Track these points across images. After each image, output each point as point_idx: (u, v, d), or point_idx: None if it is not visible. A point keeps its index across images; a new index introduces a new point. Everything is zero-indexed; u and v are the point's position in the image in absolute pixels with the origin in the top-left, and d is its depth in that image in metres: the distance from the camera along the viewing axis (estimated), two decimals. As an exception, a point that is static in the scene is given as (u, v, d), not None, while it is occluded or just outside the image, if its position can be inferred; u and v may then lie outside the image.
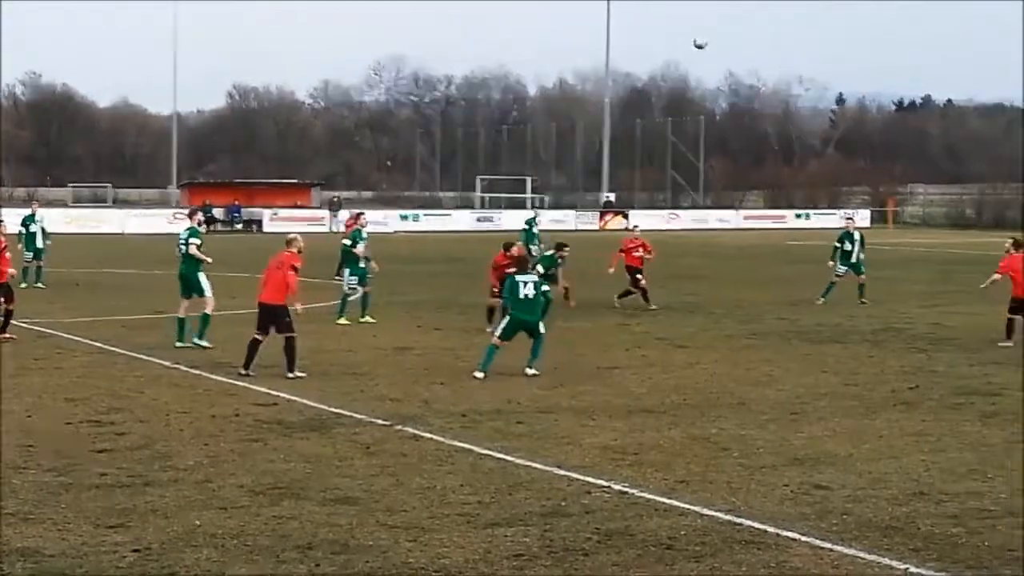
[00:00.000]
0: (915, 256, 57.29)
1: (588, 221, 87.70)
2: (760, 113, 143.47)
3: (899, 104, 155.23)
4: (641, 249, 33.71)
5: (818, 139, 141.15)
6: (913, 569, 10.90)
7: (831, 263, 35.30)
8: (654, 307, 32.48)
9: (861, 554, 11.35)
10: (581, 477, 14.13)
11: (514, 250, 26.49)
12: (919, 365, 23.08)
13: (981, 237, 77.24)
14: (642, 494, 13.40)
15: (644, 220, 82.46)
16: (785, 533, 11.99)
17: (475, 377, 20.82)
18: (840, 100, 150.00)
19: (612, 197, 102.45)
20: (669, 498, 13.23)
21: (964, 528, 12.12)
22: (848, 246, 34.88)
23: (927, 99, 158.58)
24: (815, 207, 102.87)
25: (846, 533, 12.02)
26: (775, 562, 11.12)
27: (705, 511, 12.74)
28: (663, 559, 11.19)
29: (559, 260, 29.66)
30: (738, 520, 12.44)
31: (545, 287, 21.95)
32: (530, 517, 12.46)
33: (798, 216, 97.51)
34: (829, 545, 11.62)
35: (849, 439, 16.39)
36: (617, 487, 13.69)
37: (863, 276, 34.63)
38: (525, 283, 21.70)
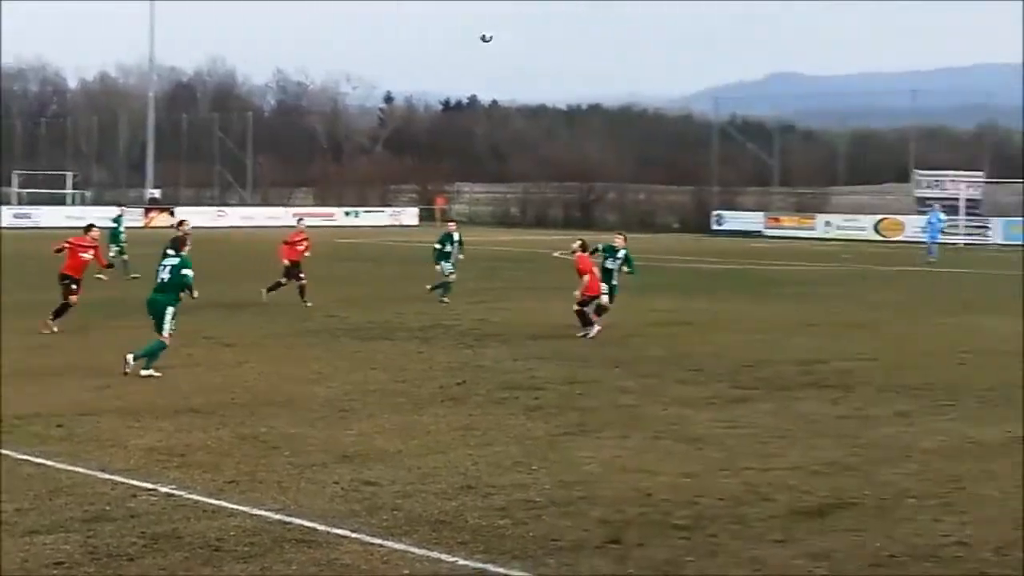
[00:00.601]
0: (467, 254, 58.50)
1: (133, 218, 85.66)
2: (309, 111, 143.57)
3: (446, 104, 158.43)
4: (304, 244, 34.04)
5: (367, 137, 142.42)
6: (462, 561, 11.06)
7: (437, 266, 35.60)
8: (310, 303, 32.65)
9: (411, 549, 11.44)
10: (126, 480, 13.71)
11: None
12: (466, 361, 23.56)
13: (525, 235, 79.78)
14: (190, 496, 13.12)
15: (192, 217, 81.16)
16: (335, 530, 11.97)
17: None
18: (388, 98, 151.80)
19: (158, 193, 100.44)
20: (217, 499, 13.00)
21: (511, 520, 12.40)
22: (448, 247, 35.69)
23: (473, 99, 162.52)
24: (365, 205, 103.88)
25: (396, 528, 12.10)
26: (326, 560, 11.09)
27: (254, 511, 12.59)
28: (211, 561, 10.97)
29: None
30: (288, 519, 12.35)
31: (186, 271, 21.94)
32: (72, 523, 12.00)
33: (347, 214, 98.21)
34: (379, 541, 11.67)
35: (398, 435, 16.55)
36: (164, 489, 13.35)
37: (452, 276, 35.25)
38: (164, 267, 22.03)
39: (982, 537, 11.83)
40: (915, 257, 57.34)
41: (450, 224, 38.18)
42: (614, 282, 28.51)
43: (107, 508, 12.59)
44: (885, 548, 11.51)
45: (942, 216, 60.70)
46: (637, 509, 12.80)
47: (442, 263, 35.53)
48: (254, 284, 37.44)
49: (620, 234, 28.84)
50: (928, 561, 11.12)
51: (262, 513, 12.52)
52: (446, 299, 34.13)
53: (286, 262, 34.28)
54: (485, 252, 55.76)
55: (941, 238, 65.52)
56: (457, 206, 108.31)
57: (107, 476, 13.90)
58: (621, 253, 28.87)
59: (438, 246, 36.00)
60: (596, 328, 26.88)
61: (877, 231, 73.91)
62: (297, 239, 34.50)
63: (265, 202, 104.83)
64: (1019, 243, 59.78)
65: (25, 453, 14.99)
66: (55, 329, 26.67)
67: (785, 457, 15.33)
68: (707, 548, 11.49)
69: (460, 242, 36.47)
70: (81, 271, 28.51)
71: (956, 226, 70.35)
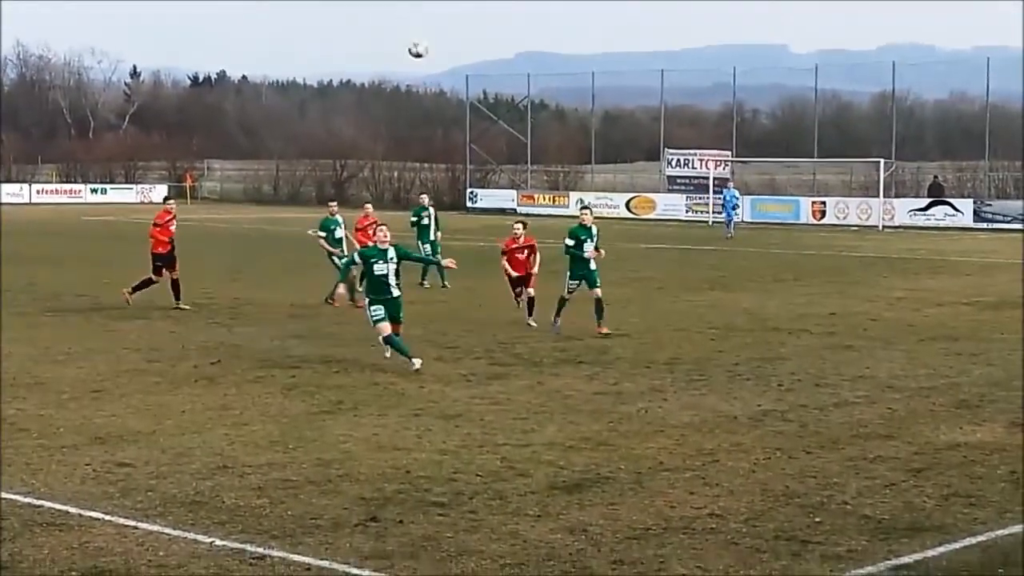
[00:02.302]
0: (214, 232, 57.74)
1: None
2: (52, 85, 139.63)
3: (195, 79, 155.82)
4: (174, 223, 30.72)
5: (113, 113, 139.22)
6: (219, 542, 10.94)
7: (419, 243, 33.59)
8: (186, 306, 28.05)
9: (166, 530, 11.28)
10: None
11: None
12: (221, 340, 23.27)
13: (279, 213, 79.05)
14: (-65, 481, 12.71)
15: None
16: (88, 513, 11.74)
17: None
18: (135, 73, 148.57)
19: None
20: (-36, 483, 12.62)
21: (268, 499, 12.30)
22: (425, 220, 34.23)
23: (222, 75, 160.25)
24: (112, 182, 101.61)
25: (151, 510, 11.91)
26: (78, 543, 10.85)
27: (3, 495, 12.25)
28: (-41, 548, 10.64)
29: None
30: (38, 502, 12.07)
31: None
32: None
33: (94, 191, 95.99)
34: (134, 523, 11.47)
35: (152, 416, 16.27)
36: (-93, 474, 12.91)
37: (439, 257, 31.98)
38: None
39: (734, 508, 12.15)
40: (664, 235, 58.54)
41: (422, 197, 36.38)
42: (593, 267, 24.76)
43: None
44: (641, 521, 11.74)
45: (736, 193, 62.08)
46: (396, 486, 12.82)
47: (420, 240, 33.82)
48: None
49: (586, 210, 25.65)
50: (683, 533, 11.38)
51: (10, 497, 12.21)
52: (447, 283, 33.01)
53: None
54: (237, 231, 55.13)
55: (711, 217, 67.11)
56: (208, 183, 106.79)
57: None
58: (595, 231, 25.10)
59: (414, 219, 34.51)
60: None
61: (629, 209, 75.16)
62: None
63: (7, 179, 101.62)
64: (765, 221, 61.48)
65: None
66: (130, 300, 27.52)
67: (542, 432, 15.52)
68: (466, 524, 11.57)
69: (437, 220, 34.71)
70: (170, 246, 28.14)
71: (705, 204, 72.02)
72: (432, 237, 34.07)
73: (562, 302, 24.79)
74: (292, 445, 14.64)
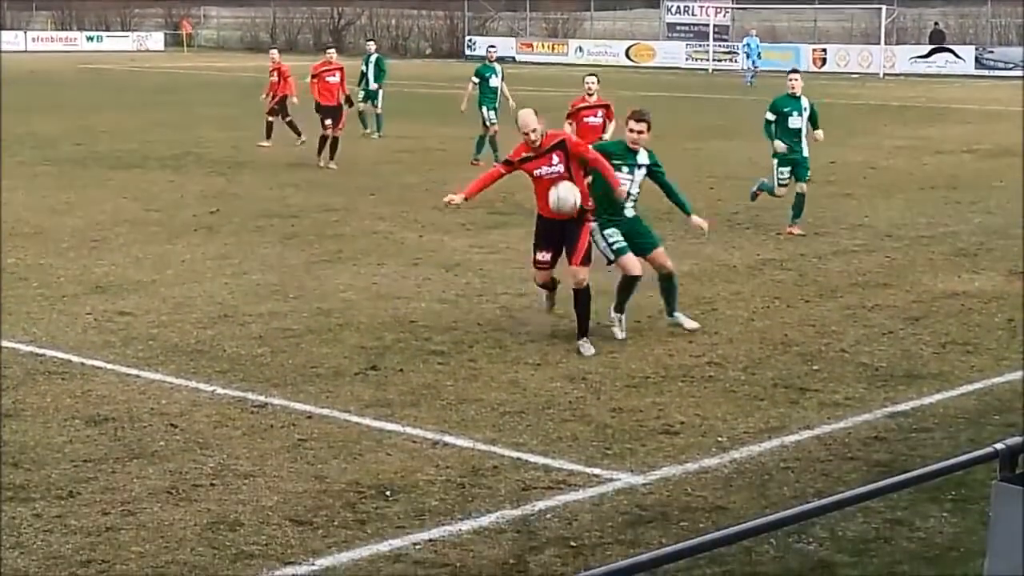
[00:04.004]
0: (211, 80, 57.33)
1: None
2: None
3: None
4: (338, 75, 27.42)
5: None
6: (220, 390, 11.02)
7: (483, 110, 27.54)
8: (333, 166, 26.21)
9: (168, 378, 11.36)
10: None
11: None
12: (220, 189, 23.22)
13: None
14: (-63, 330, 12.77)
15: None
16: (90, 362, 11.82)
17: None
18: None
19: None
20: (-34, 333, 12.68)
21: (269, 348, 12.37)
22: (493, 82, 27.60)
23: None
24: (108, 29, 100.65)
25: (152, 359, 11.98)
26: (80, 391, 10.94)
27: (5, 344, 12.32)
28: (-38, 396, 10.72)
29: None
30: (40, 351, 12.14)
31: None
32: None
33: (90, 39, 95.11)
34: (135, 371, 11.55)
35: (152, 265, 16.29)
36: (-91, 324, 12.96)
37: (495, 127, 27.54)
38: None
39: (732, 356, 12.23)
40: (664, 84, 58.17)
41: (491, 50, 30.04)
42: (806, 153, 19.22)
43: None
44: (640, 369, 11.82)
45: (758, 40, 61.25)
46: (395, 335, 12.89)
47: (485, 107, 27.42)
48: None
49: (796, 75, 19.38)
50: (681, 381, 11.46)
51: (13, 346, 12.27)
52: (480, 161, 26.71)
53: None
54: (234, 79, 54.78)
55: (712, 64, 66.61)
56: (205, 31, 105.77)
57: None
58: (808, 105, 19.15)
59: (476, 80, 27.81)
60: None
61: (628, 57, 74.57)
62: None
63: (2, 26, 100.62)
64: (765, 69, 61.03)
65: None
66: (332, 166, 26.07)
67: (541, 281, 15.52)
68: (466, 372, 11.65)
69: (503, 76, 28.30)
70: (335, 98, 27.03)
71: (705, 52, 71.45)
72: (496, 102, 27.57)
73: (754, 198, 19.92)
74: (292, 294, 14.68)
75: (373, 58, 32.61)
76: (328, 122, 26.57)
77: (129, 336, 12.77)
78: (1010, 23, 71.24)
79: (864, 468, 9.30)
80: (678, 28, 76.22)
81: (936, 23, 70.51)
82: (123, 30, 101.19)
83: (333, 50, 28.69)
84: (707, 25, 72.37)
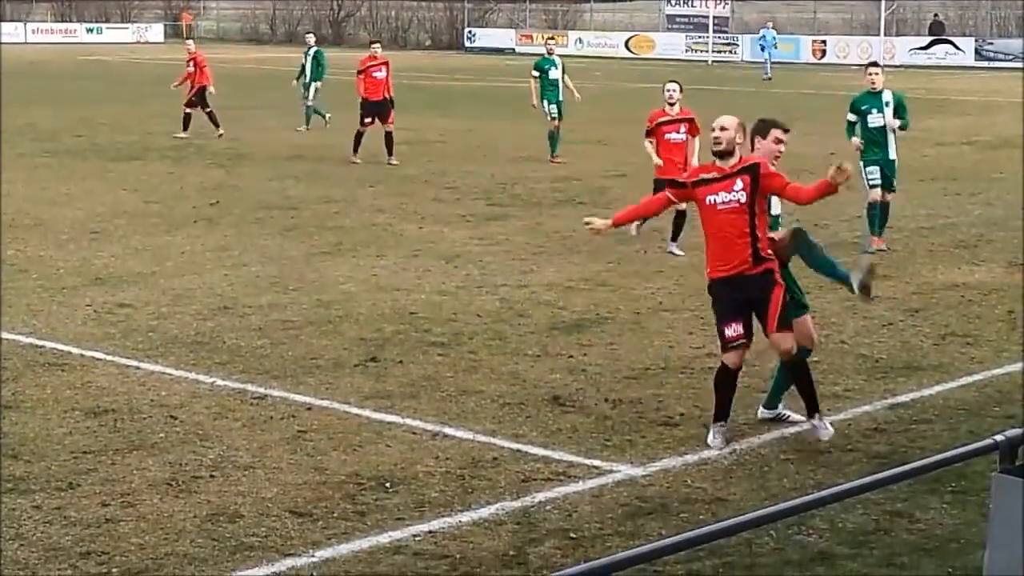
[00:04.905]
0: (218, 72, 57.20)
1: None
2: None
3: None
4: (384, 70, 26.55)
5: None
6: (220, 382, 11.02)
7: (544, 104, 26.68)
8: (395, 162, 25.59)
9: (168, 370, 11.36)
10: None
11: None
12: (220, 181, 23.21)
13: (276, 52, 78.37)
14: (-64, 321, 12.77)
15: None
16: (90, 353, 11.82)
17: None
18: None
19: None
20: (-34, 324, 12.68)
21: (269, 340, 12.37)
22: (554, 74, 26.64)
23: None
24: (107, 21, 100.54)
25: (152, 350, 11.98)
26: (80, 383, 10.94)
27: (5, 335, 12.32)
28: (-38, 388, 10.73)
29: None
30: (40, 343, 12.14)
31: None
32: None
33: (89, 31, 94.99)
34: (135, 363, 11.56)
35: (152, 257, 16.29)
36: (-92, 316, 12.96)
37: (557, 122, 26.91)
38: None
39: (730, 347, 12.20)
40: (664, 76, 58.06)
41: (550, 42, 29.31)
42: (892, 156, 17.91)
43: None
44: (639, 361, 11.82)
45: (775, 33, 61.02)
46: (395, 327, 12.89)
47: (546, 101, 26.51)
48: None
49: (876, 68, 17.62)
50: (681, 373, 11.46)
51: (13, 337, 12.28)
52: (558, 158, 26.20)
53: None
54: (236, 71, 54.72)
55: (711, 56, 66.51)
56: (205, 22, 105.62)
57: None
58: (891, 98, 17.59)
59: (536, 74, 26.87)
60: None
61: (628, 48, 74.53)
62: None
63: (2, 18, 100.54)
64: (765, 61, 60.92)
65: None
66: (394, 162, 25.42)
67: (541, 273, 15.55)
68: (466, 364, 11.64)
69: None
70: (381, 93, 26.23)
71: (705, 44, 71.39)
72: (558, 95, 26.58)
73: (872, 208, 17.52)
74: (292, 286, 14.68)
75: (312, 51, 32.53)
76: (368, 120, 26.01)
77: (129, 328, 12.77)
78: (1009, 14, 71.21)
79: (864, 460, 9.30)
80: (678, 20, 76.16)
81: (936, 14, 70.48)
82: (123, 22, 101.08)
83: (378, 45, 27.87)
84: (707, 16, 72.28)
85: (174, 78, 32.68)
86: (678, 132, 17.33)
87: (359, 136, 26.05)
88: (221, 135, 29.40)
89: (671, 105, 17.42)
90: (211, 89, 30.27)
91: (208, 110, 30.14)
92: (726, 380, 9.64)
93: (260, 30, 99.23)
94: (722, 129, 9.74)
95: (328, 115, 31.48)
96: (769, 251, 9.62)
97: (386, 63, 26.68)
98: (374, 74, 26.42)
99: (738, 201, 9.54)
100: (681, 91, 17.44)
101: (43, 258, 16.09)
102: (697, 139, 17.01)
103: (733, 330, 9.59)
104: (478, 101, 41.63)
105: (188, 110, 30.30)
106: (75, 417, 10.04)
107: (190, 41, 32.90)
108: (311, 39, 33.80)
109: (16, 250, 16.51)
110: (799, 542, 7.85)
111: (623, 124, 32.92)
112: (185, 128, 30.09)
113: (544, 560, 7.66)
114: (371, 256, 16.51)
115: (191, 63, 30.61)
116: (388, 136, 25.83)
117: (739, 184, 9.58)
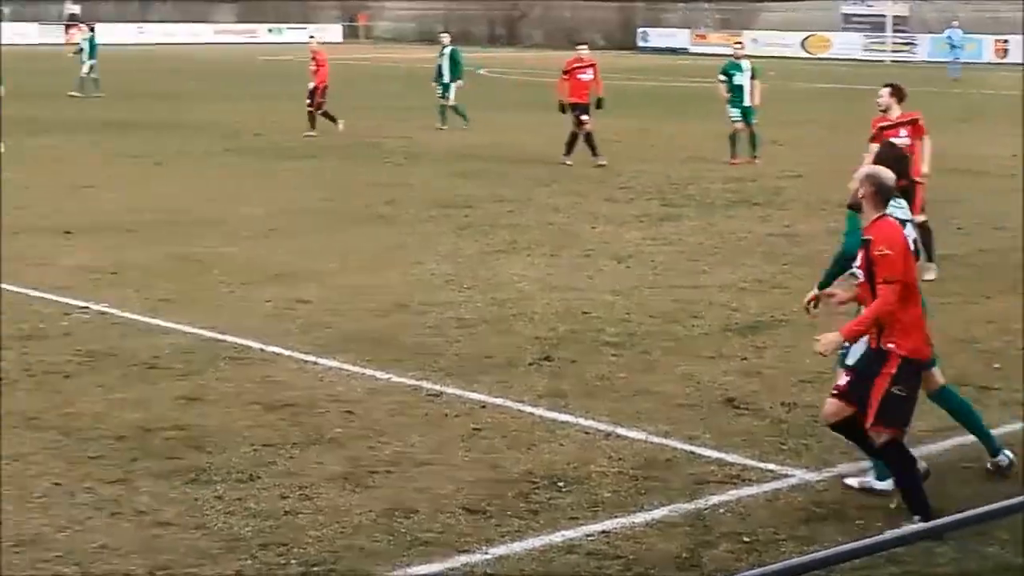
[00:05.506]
0: (386, 72, 58.02)
1: (54, 35, 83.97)
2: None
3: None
4: (591, 71, 26.36)
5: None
6: (396, 379, 11.14)
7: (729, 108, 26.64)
8: (603, 162, 25.48)
9: (345, 366, 11.50)
10: (59, 299, 13.69)
11: None
12: (394, 179, 23.46)
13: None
14: (124, 314, 13.11)
15: (110, 34, 79.66)
16: (270, 348, 12.02)
17: None
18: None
19: (77, 9, 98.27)
20: (152, 317, 13.01)
21: (444, 337, 12.47)
22: (739, 79, 26.50)
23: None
24: (287, 22, 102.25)
25: (330, 346, 12.15)
26: (260, 377, 11.14)
27: (189, 329, 12.59)
28: (147, 378, 11.01)
29: None
30: (222, 337, 12.37)
31: None
32: (7, 341, 12.00)
33: (270, 31, 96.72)
34: (314, 358, 11.73)
35: (328, 254, 16.52)
36: (97, 308, 13.34)
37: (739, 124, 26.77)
38: None
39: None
40: (839, 76, 57.37)
41: (737, 45, 28.57)
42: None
43: (42, 326, 12.57)
44: (815, 364, 11.66)
45: (961, 32, 59.75)
46: (569, 326, 12.91)
47: (729, 105, 26.49)
48: (179, 103, 37.03)
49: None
50: (856, 376, 11.29)
51: (196, 331, 12.53)
52: (758, 158, 26.04)
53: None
54: (409, 70, 55.27)
55: (889, 56, 65.39)
56: (381, 23, 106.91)
57: (40, 294, 13.86)
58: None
59: (723, 78, 26.80)
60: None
61: (804, 48, 73.75)
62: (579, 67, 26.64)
63: (187, 18, 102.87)
64: (945, 60, 59.80)
65: (-46, 272, 14.90)
66: (568, 163, 25.37)
67: (715, 274, 15.46)
68: (640, 364, 11.63)
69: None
70: (587, 95, 26.01)
71: (883, 43, 70.32)
72: (743, 100, 26.45)
73: None
74: (466, 284, 14.78)
75: (447, 51, 32.89)
76: (584, 116, 25.73)
77: (307, 323, 12.97)
78: None
79: (1050, 470, 9.08)
80: (855, 19, 75.11)
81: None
82: (302, 23, 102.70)
83: (585, 46, 27.70)
84: (884, 16, 71.18)
85: (350, 79, 33.10)
86: (899, 136, 15.04)
87: (575, 137, 25.77)
88: (311, 135, 29.94)
89: (884, 111, 15.60)
90: (324, 88, 30.86)
91: (313, 106, 30.76)
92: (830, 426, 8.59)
93: (435, 30, 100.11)
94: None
95: (467, 117, 31.94)
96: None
97: (593, 64, 26.42)
98: (579, 76, 26.17)
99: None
100: (893, 94, 15.37)
101: (224, 254, 16.42)
102: (926, 139, 15.57)
103: (840, 379, 8.51)
104: (653, 101, 41.54)
105: (314, 110, 30.81)
106: (256, 411, 10.23)
107: (313, 38, 33.40)
108: (446, 39, 34.17)
109: (200, 247, 16.87)
110: (980, 553, 7.71)
111: (798, 125, 32.64)
112: (313, 126, 30.64)
113: (718, 563, 7.63)
114: (545, 255, 16.56)
115: (314, 61, 31.10)
116: (588, 137, 25.68)
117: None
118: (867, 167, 8.65)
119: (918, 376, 8.32)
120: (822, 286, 9.36)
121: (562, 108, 26.26)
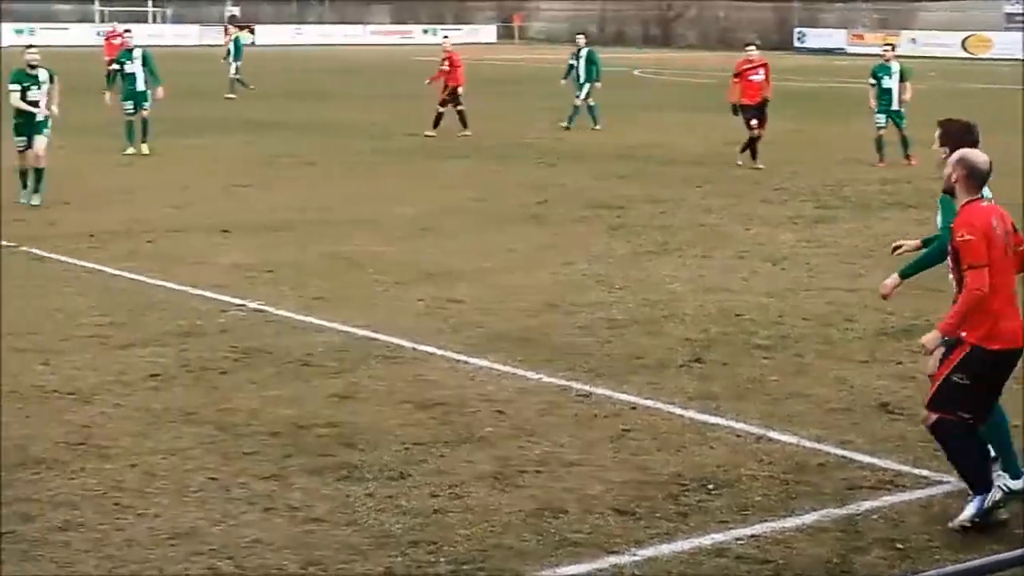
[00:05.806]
0: (540, 73, 58.08)
1: (214, 36, 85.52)
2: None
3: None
4: (762, 72, 26.05)
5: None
6: (546, 379, 11.15)
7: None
8: (760, 166, 25.32)
9: (495, 365, 11.54)
10: (216, 296, 13.92)
11: None
12: (546, 179, 23.51)
13: (603, 53, 79.02)
14: (279, 312, 13.30)
15: (269, 35, 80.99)
16: (422, 347, 12.09)
17: None
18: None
19: (237, 11, 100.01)
20: (306, 315, 13.17)
21: (594, 338, 12.46)
22: (887, 83, 26.27)
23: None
24: (442, 23, 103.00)
25: (481, 345, 12.20)
26: (413, 375, 11.21)
27: (342, 327, 12.72)
28: (301, 375, 11.14)
29: None
30: (375, 335, 12.48)
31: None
32: (165, 337, 12.21)
33: (425, 32, 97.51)
34: (465, 357, 11.78)
35: (480, 254, 16.60)
36: (253, 305, 13.54)
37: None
38: None
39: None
40: (1002, 76, 56.22)
41: (887, 49, 27.44)
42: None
43: (199, 323, 12.79)
44: (971, 369, 11.46)
45: None
46: (720, 328, 12.82)
47: (876, 112, 26.30)
48: (333, 103, 37.45)
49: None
50: (1016, 385, 11.04)
51: (349, 329, 12.66)
52: (911, 157, 25.72)
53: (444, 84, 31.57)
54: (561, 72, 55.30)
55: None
56: (535, 24, 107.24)
57: (197, 292, 14.11)
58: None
59: (872, 81, 26.48)
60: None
61: (964, 48, 72.50)
62: (749, 68, 26.16)
63: (343, 19, 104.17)
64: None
65: (118, 268, 15.23)
66: (759, 166, 25.14)
67: (870, 277, 15.21)
68: (792, 367, 11.51)
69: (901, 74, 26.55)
70: (759, 96, 25.61)
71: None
72: (891, 104, 26.09)
73: None
74: (618, 285, 14.75)
75: (584, 52, 32.94)
76: (754, 122, 25.41)
77: (459, 323, 13.04)
78: None
79: None
80: (1018, 18, 73.58)
81: None
82: (456, 23, 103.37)
83: (754, 47, 27.23)
84: (1049, 15, 69.69)
85: (510, 79, 33.21)
86: None
87: (753, 140, 25.50)
88: (466, 135, 30.00)
89: None
90: (461, 89, 30.79)
91: (459, 108, 30.69)
92: None
93: (588, 31, 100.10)
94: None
95: (598, 120, 31.96)
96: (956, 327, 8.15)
97: (764, 65, 26.05)
98: (750, 77, 25.86)
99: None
100: None
101: (376, 254, 16.57)
102: None
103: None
104: (808, 102, 41.10)
105: (440, 109, 30.80)
106: (407, 409, 10.31)
107: (446, 38, 33.55)
108: (581, 40, 34.18)
109: (354, 246, 17.05)
110: None
111: (958, 126, 31.97)
112: (435, 126, 30.62)
113: (870, 569, 7.52)
114: (697, 256, 16.47)
115: (446, 62, 31.16)
116: (755, 140, 25.45)
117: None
118: (960, 151, 8.62)
119: (993, 366, 8.05)
120: (904, 275, 9.38)
121: (735, 111, 26.08)
